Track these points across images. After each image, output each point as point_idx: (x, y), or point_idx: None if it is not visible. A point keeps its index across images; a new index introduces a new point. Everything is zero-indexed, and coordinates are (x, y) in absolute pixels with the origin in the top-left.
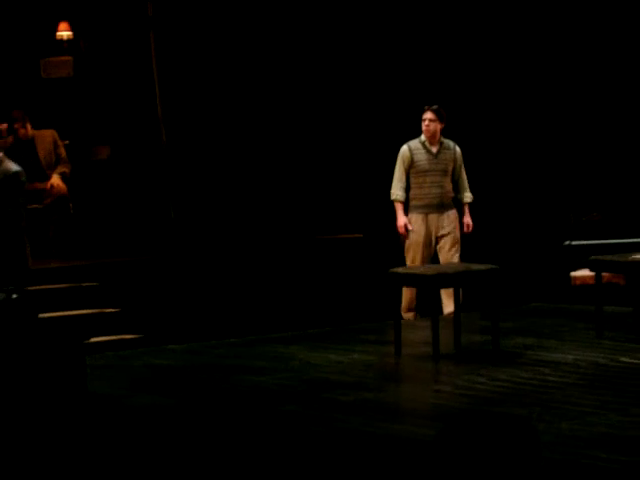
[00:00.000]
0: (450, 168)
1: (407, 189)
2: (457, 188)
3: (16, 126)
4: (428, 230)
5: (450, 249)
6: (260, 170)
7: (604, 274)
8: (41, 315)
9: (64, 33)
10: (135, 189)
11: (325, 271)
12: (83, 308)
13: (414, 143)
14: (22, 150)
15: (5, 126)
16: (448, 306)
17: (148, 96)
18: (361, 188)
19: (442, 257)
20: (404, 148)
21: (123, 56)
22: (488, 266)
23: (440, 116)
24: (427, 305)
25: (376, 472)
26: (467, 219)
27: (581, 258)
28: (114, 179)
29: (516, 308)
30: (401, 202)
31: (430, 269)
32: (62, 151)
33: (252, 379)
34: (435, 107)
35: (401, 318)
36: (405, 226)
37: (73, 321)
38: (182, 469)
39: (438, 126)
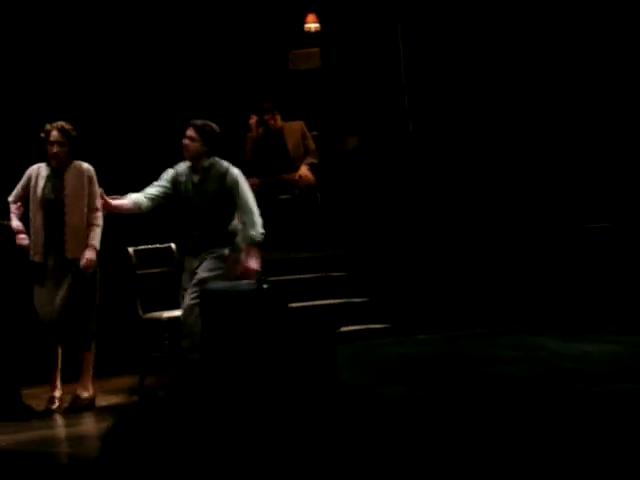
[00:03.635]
0: (215, 201)
1: None
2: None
3: (266, 117)
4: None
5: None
6: (514, 157)
7: None
8: (291, 305)
9: (312, 25)
10: (382, 179)
11: (580, 260)
12: (331, 298)
13: (181, 167)
14: (271, 141)
15: (255, 119)
16: None
17: (395, 86)
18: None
19: None
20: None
21: (370, 47)
22: None
23: (204, 135)
24: None
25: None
26: (246, 261)
27: None
28: (361, 169)
29: None
30: None
31: None
32: (310, 142)
33: (501, 369)
34: (200, 123)
35: None
36: None
37: (323, 311)
38: (433, 458)
39: (202, 148)
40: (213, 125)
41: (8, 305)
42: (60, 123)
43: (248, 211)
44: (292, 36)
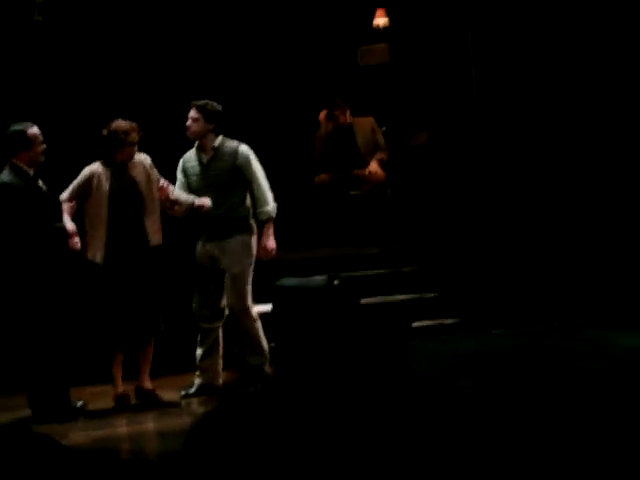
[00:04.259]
0: (228, 180)
1: None
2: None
3: (336, 113)
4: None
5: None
6: (589, 153)
7: None
8: (362, 301)
9: (380, 20)
10: (452, 174)
11: None
12: (403, 293)
13: (187, 154)
14: (341, 137)
15: (324, 114)
16: None
17: (464, 81)
18: None
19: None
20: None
21: (439, 41)
22: None
23: (206, 113)
24: None
25: None
26: (265, 240)
27: None
28: (431, 165)
29: None
30: None
31: None
32: (380, 138)
33: (578, 364)
34: (202, 102)
35: None
36: None
37: (394, 307)
38: (505, 449)
39: (205, 126)
40: (215, 104)
41: (59, 307)
42: (135, 125)
43: (260, 187)
44: (361, 32)
